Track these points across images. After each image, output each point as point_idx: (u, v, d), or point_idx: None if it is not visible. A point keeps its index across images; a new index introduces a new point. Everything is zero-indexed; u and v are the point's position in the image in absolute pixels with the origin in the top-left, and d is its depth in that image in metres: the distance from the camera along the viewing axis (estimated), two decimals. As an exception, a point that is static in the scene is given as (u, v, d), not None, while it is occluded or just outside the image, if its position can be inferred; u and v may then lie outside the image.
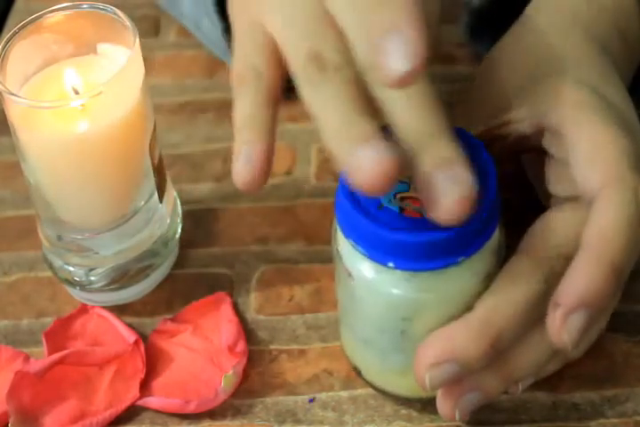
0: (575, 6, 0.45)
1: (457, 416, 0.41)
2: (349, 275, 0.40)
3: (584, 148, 0.39)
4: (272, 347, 0.48)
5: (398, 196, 0.38)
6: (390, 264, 0.38)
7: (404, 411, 0.45)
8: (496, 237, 0.39)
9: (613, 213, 0.38)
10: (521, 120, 0.42)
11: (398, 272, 0.38)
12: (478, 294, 0.39)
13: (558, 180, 0.42)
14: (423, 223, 0.37)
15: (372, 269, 0.39)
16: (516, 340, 0.39)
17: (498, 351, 0.39)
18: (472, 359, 0.38)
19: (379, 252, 0.38)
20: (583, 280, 0.37)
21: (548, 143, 0.42)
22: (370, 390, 0.46)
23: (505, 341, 0.38)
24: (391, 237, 0.37)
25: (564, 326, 0.37)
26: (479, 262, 0.39)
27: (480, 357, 0.38)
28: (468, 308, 0.39)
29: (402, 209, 0.38)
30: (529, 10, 0.46)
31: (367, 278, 0.39)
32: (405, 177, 0.38)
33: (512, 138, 0.42)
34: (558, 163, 0.41)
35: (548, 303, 0.38)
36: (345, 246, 0.40)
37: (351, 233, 0.39)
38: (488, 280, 0.39)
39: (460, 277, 0.39)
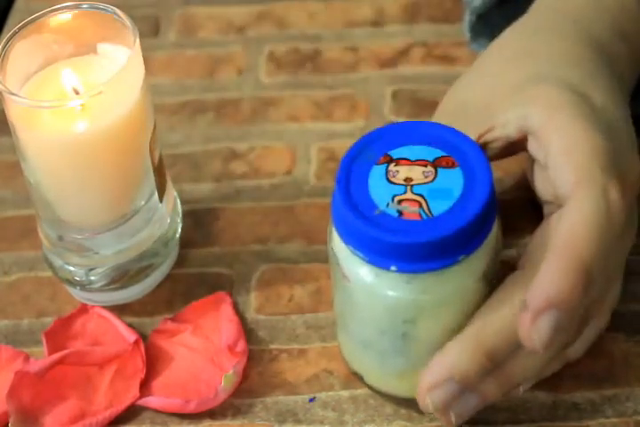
0: (576, 7, 0.45)
1: (453, 421, 0.40)
2: (346, 277, 0.40)
3: (557, 148, 0.39)
4: (272, 347, 0.48)
5: (396, 199, 0.38)
6: (393, 268, 0.38)
7: (403, 411, 0.45)
8: (493, 235, 0.39)
9: (582, 213, 0.37)
10: (507, 124, 0.41)
11: (398, 275, 0.38)
12: (478, 294, 0.39)
13: (544, 184, 0.41)
14: (422, 225, 0.37)
15: (371, 272, 0.39)
16: (511, 350, 0.39)
17: (495, 362, 0.38)
18: (469, 373, 0.38)
19: (380, 256, 0.38)
20: (550, 280, 0.36)
21: (531, 147, 0.41)
22: (370, 390, 0.46)
23: (500, 352, 0.38)
24: (393, 240, 0.37)
25: (533, 328, 0.36)
26: (478, 261, 0.39)
27: (477, 370, 0.38)
28: (469, 308, 0.39)
29: (400, 212, 0.38)
30: (530, 10, 0.46)
31: (366, 282, 0.39)
32: (403, 179, 0.38)
33: (500, 143, 0.42)
34: (541, 167, 0.41)
35: None
36: (341, 249, 0.40)
37: (350, 239, 0.38)
38: (487, 279, 0.39)
39: (459, 277, 0.39)
